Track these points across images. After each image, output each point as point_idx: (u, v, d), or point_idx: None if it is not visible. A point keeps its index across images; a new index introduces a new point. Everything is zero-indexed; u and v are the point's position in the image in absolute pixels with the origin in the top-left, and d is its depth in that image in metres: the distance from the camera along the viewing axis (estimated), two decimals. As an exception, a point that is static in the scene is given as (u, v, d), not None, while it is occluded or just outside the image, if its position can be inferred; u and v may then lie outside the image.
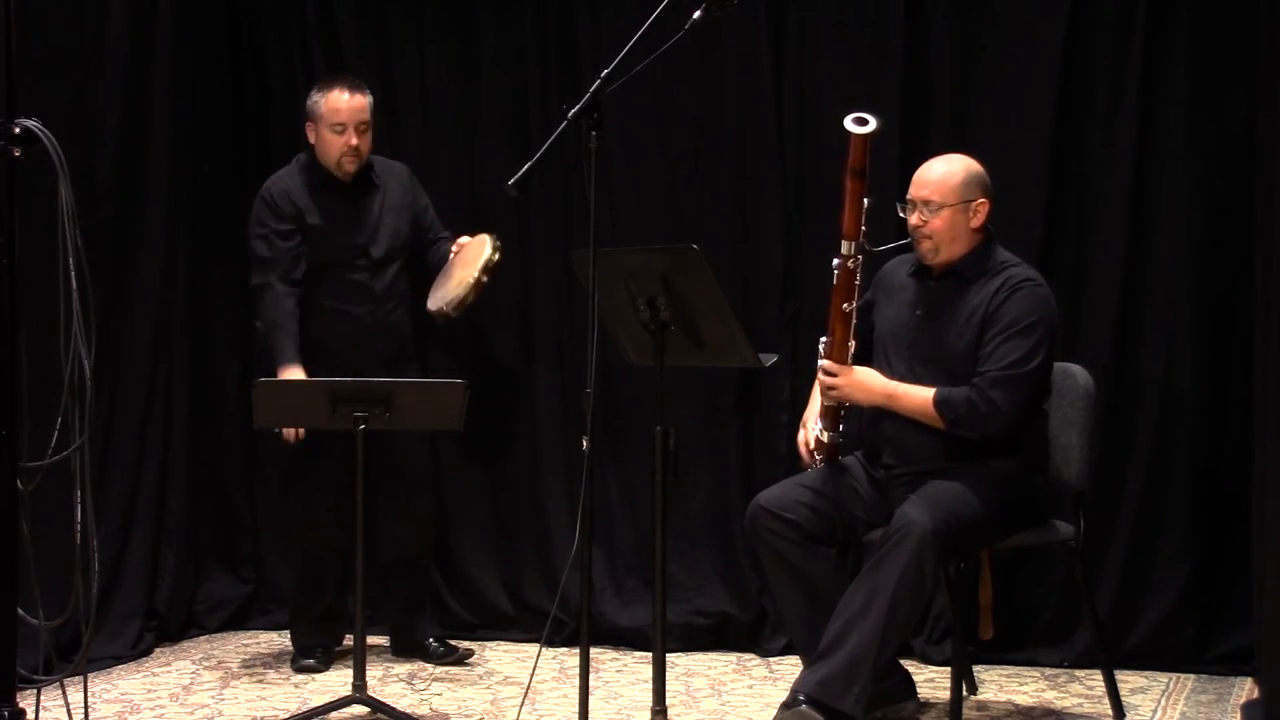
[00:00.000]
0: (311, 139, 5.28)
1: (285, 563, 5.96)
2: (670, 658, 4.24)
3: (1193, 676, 5.12)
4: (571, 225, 5.65)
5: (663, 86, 5.57)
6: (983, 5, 5.38)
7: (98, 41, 5.43)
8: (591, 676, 3.96)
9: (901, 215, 4.47)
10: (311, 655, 5.32)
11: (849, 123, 4.30)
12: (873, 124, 4.30)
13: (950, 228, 4.39)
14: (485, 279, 5.07)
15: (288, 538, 5.68)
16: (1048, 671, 5.22)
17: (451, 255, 5.25)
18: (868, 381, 4.41)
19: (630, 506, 5.70)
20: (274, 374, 5.10)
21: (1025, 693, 4.98)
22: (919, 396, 4.34)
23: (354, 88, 5.26)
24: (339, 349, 5.22)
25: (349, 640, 4.85)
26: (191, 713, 4.77)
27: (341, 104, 5.22)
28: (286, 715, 4.64)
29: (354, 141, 5.22)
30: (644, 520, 5.56)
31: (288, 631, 5.49)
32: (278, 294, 5.17)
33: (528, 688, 4.80)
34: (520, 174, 3.97)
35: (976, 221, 4.41)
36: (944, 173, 4.43)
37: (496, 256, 5.10)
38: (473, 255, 5.14)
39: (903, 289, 4.54)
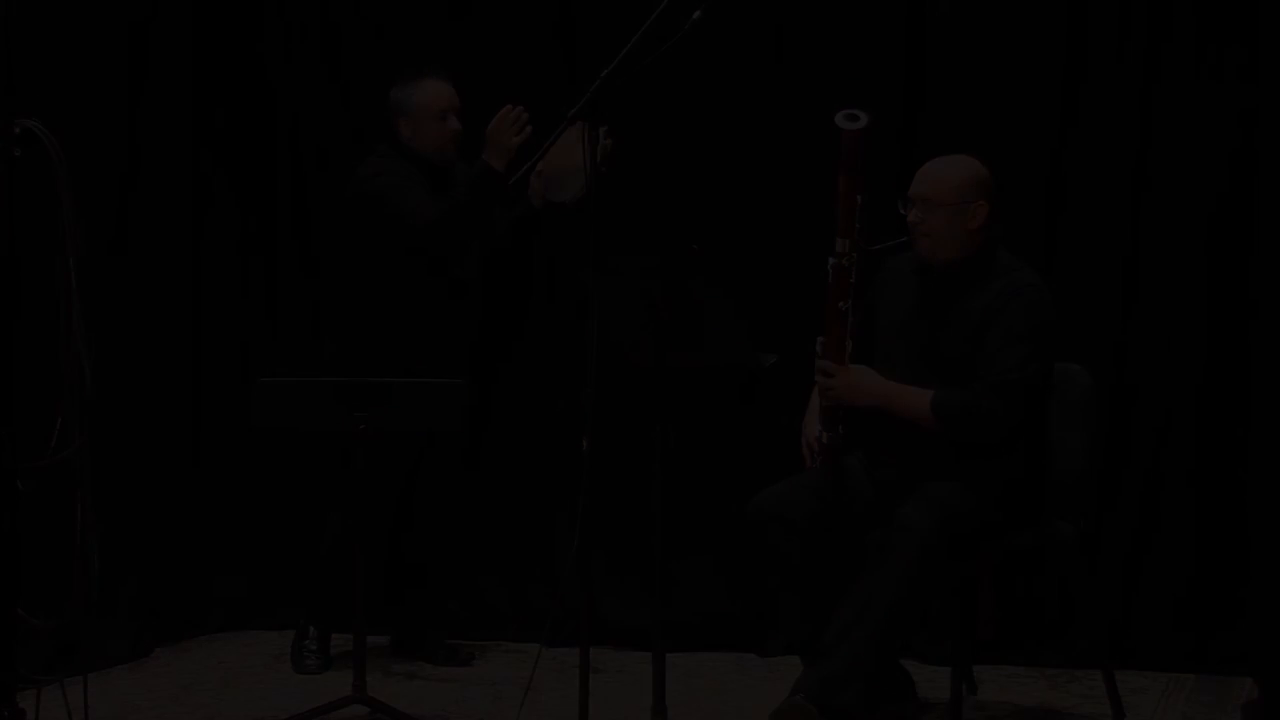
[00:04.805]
0: (406, 133, 5.20)
1: (288, 559, 5.97)
2: (670, 658, 4.23)
3: (1193, 676, 5.11)
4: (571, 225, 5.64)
5: (663, 86, 5.56)
6: (983, 5, 5.38)
7: (98, 41, 5.43)
8: (591, 676, 3.95)
9: (902, 212, 4.47)
10: (309, 633, 5.31)
11: (840, 119, 4.29)
12: (864, 120, 4.28)
13: (946, 227, 4.38)
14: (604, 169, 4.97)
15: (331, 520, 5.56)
16: (1048, 671, 5.21)
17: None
18: (864, 382, 4.40)
19: (630, 506, 5.69)
20: (497, 180, 4.92)
21: (1025, 693, 4.98)
22: (915, 399, 4.33)
23: (441, 75, 5.24)
24: (444, 345, 5.20)
25: (347, 639, 4.84)
26: (191, 713, 4.77)
27: (442, 92, 5.20)
28: (286, 715, 4.64)
29: (458, 126, 5.20)
30: (644, 520, 5.55)
31: (288, 626, 5.49)
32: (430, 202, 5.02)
33: (528, 688, 4.79)
34: (520, 174, 4.00)
35: (974, 224, 4.39)
36: (944, 172, 4.42)
37: (609, 142, 4.75)
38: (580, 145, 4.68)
39: (904, 287, 4.54)
